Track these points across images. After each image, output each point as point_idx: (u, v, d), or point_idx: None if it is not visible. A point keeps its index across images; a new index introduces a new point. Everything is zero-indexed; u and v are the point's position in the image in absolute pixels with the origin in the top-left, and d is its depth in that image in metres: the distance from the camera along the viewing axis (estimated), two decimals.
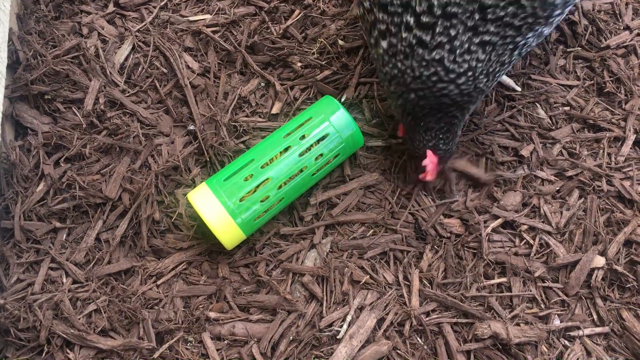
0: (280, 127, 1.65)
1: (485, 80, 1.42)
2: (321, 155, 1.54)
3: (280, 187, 1.51)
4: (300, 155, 1.52)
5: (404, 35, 1.37)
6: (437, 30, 1.33)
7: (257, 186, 1.49)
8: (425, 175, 1.57)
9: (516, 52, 1.43)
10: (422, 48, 1.36)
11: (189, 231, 1.61)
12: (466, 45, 1.34)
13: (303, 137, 1.53)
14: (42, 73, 1.75)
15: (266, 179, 1.49)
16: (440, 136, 1.51)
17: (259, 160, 1.51)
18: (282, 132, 1.57)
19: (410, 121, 1.52)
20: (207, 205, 1.46)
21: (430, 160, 1.54)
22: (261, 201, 1.49)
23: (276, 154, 1.52)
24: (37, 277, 1.52)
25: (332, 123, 1.55)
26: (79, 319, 1.46)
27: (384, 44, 1.42)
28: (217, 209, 1.45)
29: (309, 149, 1.53)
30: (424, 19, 1.33)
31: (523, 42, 1.40)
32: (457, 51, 1.34)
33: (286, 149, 1.52)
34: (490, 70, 1.41)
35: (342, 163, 1.68)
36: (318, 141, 1.54)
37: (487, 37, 1.34)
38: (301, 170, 1.53)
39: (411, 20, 1.35)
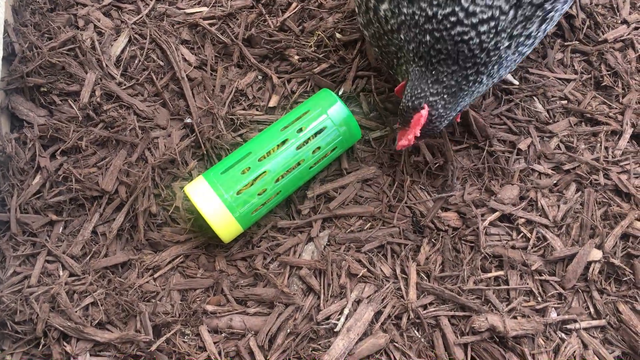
0: (277, 119, 1.64)
1: (507, 44, 1.32)
2: (318, 148, 1.54)
3: (277, 180, 1.50)
4: (298, 148, 1.52)
5: None
6: None
7: (255, 179, 1.48)
8: (405, 134, 1.43)
9: (543, 26, 1.33)
10: None
11: (186, 224, 1.61)
12: None
13: (300, 130, 1.53)
14: (38, 65, 1.73)
15: (263, 172, 1.49)
16: (445, 96, 1.37)
17: (256, 153, 1.50)
18: (279, 125, 1.56)
19: (420, 67, 1.38)
20: (205, 198, 1.46)
21: (420, 117, 1.38)
22: (258, 194, 1.48)
23: (273, 147, 1.52)
24: (33, 270, 1.52)
25: (330, 116, 1.54)
26: (76, 311, 1.46)
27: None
28: (215, 202, 1.45)
29: (306, 142, 1.53)
30: None
31: (551, 10, 1.31)
32: None
33: (283, 142, 1.52)
34: (515, 33, 1.31)
35: (339, 156, 1.67)
36: (315, 134, 1.54)
37: None
38: (298, 164, 1.52)
39: None
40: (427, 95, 1.37)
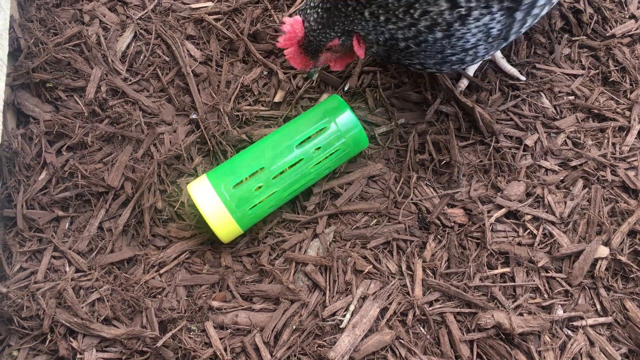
0: (292, 120, 1.62)
1: None
2: (328, 167, 1.59)
3: (288, 195, 1.55)
4: (312, 167, 1.54)
5: None
6: None
7: (263, 191, 1.50)
8: (281, 43, 1.46)
9: None
10: None
11: (191, 220, 1.61)
12: None
13: (318, 148, 1.54)
14: (44, 61, 1.74)
15: (274, 191, 1.51)
16: (319, 10, 1.41)
17: (269, 170, 1.50)
18: (294, 135, 1.54)
19: None
20: (206, 198, 1.46)
21: (291, 27, 1.42)
22: (260, 199, 1.49)
23: (287, 167, 1.52)
24: (40, 265, 1.52)
25: (342, 130, 1.55)
26: (82, 307, 1.46)
27: None
28: (215, 202, 1.46)
29: (319, 161, 1.55)
30: None
31: None
32: None
33: (299, 161, 1.53)
34: None
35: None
36: (330, 154, 1.56)
37: None
38: (305, 183, 1.56)
39: None
40: (306, 6, 1.43)
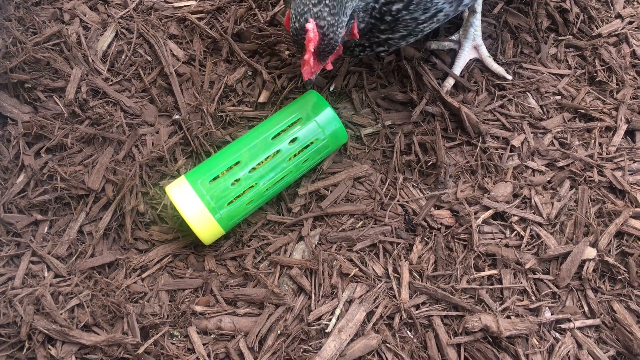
0: (267, 117, 1.61)
1: None
2: (307, 160, 1.55)
3: (267, 189, 1.51)
4: (289, 159, 1.51)
5: None
6: None
7: (240, 184, 1.47)
8: (307, 64, 1.34)
9: None
10: None
11: (174, 223, 1.58)
12: None
13: (293, 140, 1.51)
14: (22, 61, 1.70)
15: (252, 185, 1.48)
16: (327, 1, 1.28)
17: (246, 164, 1.48)
18: (269, 128, 1.52)
19: None
20: (186, 199, 1.44)
21: (309, 32, 1.29)
22: (241, 198, 1.46)
23: (264, 159, 1.49)
24: (17, 271, 1.48)
25: (320, 125, 1.53)
26: (61, 314, 1.43)
27: None
28: (196, 203, 1.43)
29: (296, 153, 1.52)
30: None
31: None
32: None
33: (275, 152, 1.50)
34: None
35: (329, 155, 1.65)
36: (307, 146, 1.53)
37: None
38: (283, 177, 1.53)
39: None
40: (310, 7, 1.29)
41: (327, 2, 1.28)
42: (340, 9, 1.30)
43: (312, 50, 1.31)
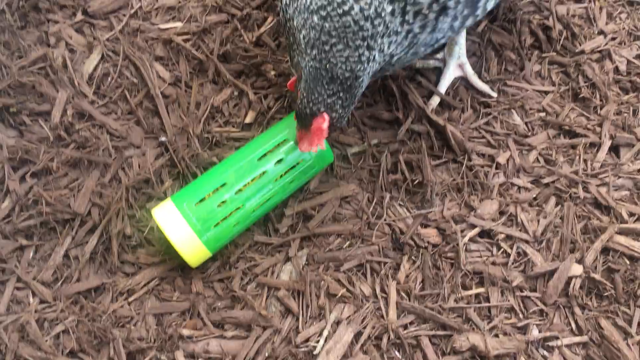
0: (254, 137, 1.61)
1: (389, 9, 1.30)
2: (293, 181, 1.54)
3: (253, 211, 1.51)
4: (275, 180, 1.51)
5: None
6: None
7: (226, 206, 1.46)
8: (306, 137, 1.39)
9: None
10: None
11: (161, 245, 1.57)
12: None
13: (279, 161, 1.51)
14: (7, 85, 1.70)
15: (239, 207, 1.48)
16: (341, 94, 1.32)
17: (232, 186, 1.47)
18: (255, 150, 1.52)
19: (314, 62, 1.30)
20: (172, 222, 1.43)
21: (320, 124, 1.34)
22: (227, 219, 1.46)
23: (250, 180, 1.49)
24: (2, 297, 1.47)
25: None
26: (46, 340, 1.41)
27: None
28: (182, 226, 1.42)
29: (282, 174, 1.52)
30: None
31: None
32: None
33: (261, 174, 1.50)
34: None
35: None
36: (293, 167, 1.53)
37: None
38: (269, 198, 1.52)
39: None
40: (325, 98, 1.32)
41: (341, 94, 1.32)
42: (351, 100, 1.36)
43: (314, 134, 1.36)
